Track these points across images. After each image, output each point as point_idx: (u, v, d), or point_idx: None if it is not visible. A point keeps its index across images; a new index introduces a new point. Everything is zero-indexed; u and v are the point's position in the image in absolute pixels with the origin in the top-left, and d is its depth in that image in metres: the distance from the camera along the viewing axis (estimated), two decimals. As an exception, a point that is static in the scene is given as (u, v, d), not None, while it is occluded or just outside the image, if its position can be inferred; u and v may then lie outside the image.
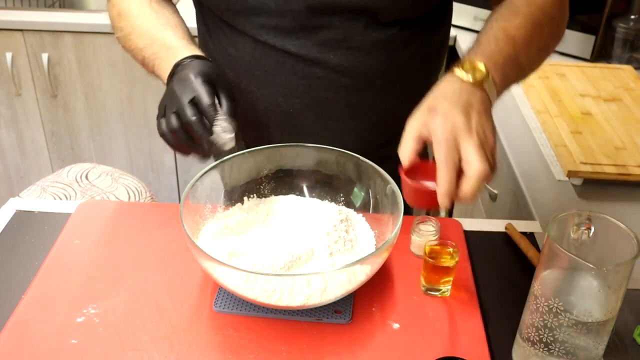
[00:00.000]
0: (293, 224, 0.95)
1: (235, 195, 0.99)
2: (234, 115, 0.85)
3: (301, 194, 1.02)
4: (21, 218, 1.06)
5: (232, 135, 0.83)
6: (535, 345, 0.75)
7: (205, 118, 0.83)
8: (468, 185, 0.73)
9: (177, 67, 0.90)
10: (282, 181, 1.01)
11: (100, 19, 2.06)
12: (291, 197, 1.01)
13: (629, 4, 1.79)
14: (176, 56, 0.91)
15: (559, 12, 0.96)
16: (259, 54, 0.99)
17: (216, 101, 0.84)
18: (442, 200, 0.73)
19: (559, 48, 1.98)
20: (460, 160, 0.73)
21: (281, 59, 0.98)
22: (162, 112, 0.87)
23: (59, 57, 2.15)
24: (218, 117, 0.83)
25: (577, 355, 0.73)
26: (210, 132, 0.83)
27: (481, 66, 0.81)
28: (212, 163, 0.96)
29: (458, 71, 0.81)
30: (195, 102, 0.83)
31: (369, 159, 0.96)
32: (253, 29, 0.97)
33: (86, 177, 1.57)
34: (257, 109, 1.04)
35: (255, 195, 1.01)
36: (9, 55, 2.14)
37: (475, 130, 0.76)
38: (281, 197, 1.01)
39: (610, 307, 0.71)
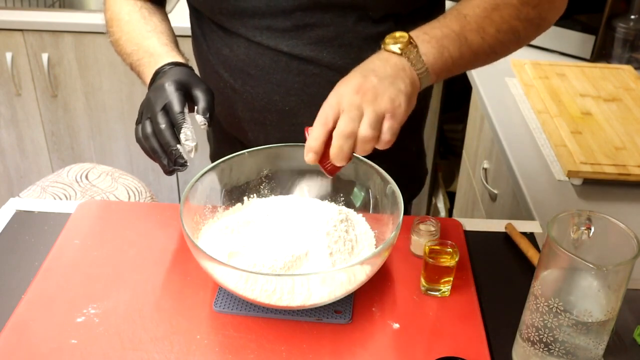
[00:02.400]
0: (293, 224, 0.94)
1: (235, 195, 0.99)
2: (211, 114, 0.88)
3: (301, 194, 1.02)
4: (21, 218, 1.06)
5: (195, 144, 0.86)
6: (535, 345, 0.75)
7: (175, 126, 0.86)
8: (333, 143, 0.77)
9: (157, 74, 0.93)
10: (282, 181, 1.02)
11: (100, 19, 2.04)
12: (291, 197, 1.01)
13: (629, 4, 1.79)
14: (157, 63, 0.95)
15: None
16: (253, 54, 0.99)
17: (186, 110, 0.88)
18: (306, 155, 0.79)
19: (559, 48, 1.99)
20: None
21: (275, 58, 0.98)
22: (139, 119, 0.91)
23: (59, 57, 2.15)
24: (184, 126, 0.86)
25: (577, 355, 0.73)
26: (178, 141, 0.86)
27: (403, 34, 0.83)
28: (210, 165, 0.96)
29: (384, 43, 0.83)
30: (166, 110, 0.87)
31: (368, 156, 0.96)
32: (246, 31, 0.98)
33: (86, 177, 1.57)
34: (254, 109, 1.04)
35: (255, 195, 1.01)
36: (9, 55, 2.14)
37: (363, 91, 0.78)
38: (281, 197, 1.01)
39: (610, 307, 0.71)
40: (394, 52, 0.82)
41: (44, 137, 2.34)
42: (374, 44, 0.97)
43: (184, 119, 0.86)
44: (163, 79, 0.90)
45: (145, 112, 0.89)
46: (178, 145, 0.86)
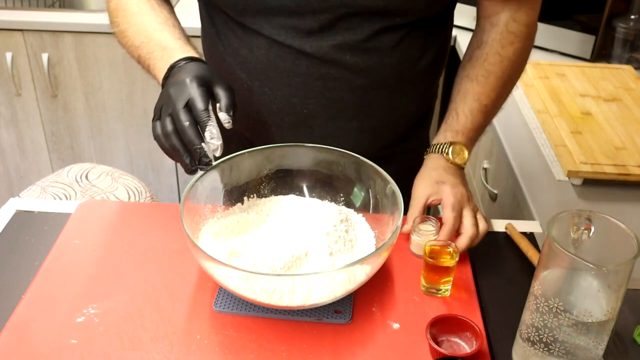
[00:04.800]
0: (293, 224, 0.95)
1: (235, 195, 0.99)
2: (233, 111, 0.85)
3: (301, 194, 1.02)
4: (21, 218, 1.06)
5: (220, 142, 0.83)
6: (535, 345, 0.75)
7: (198, 123, 0.83)
8: (461, 242, 0.93)
9: (172, 69, 0.89)
10: (282, 181, 1.01)
11: (100, 19, 2.06)
12: (291, 197, 1.01)
13: (629, 4, 1.79)
14: (171, 57, 0.91)
15: (527, 52, 1.06)
16: (273, 55, 0.98)
17: (210, 107, 0.84)
18: (444, 236, 0.93)
19: (559, 48, 1.99)
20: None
21: (296, 60, 0.98)
22: (158, 115, 0.86)
23: (59, 57, 2.15)
24: (209, 123, 0.82)
25: (577, 355, 0.73)
26: (202, 139, 0.82)
27: (465, 154, 1.02)
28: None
29: (449, 153, 1.01)
30: (189, 107, 0.83)
31: (379, 157, 0.96)
32: (270, 29, 0.96)
33: (86, 177, 1.57)
34: (271, 111, 1.03)
35: (255, 195, 1.01)
36: (9, 55, 2.14)
37: (471, 200, 0.98)
38: (281, 197, 1.01)
39: (610, 307, 0.71)
40: (459, 167, 1.02)
41: (44, 137, 2.34)
42: (394, 50, 0.99)
43: (208, 116, 0.83)
44: (181, 74, 0.86)
45: (165, 108, 0.84)
46: (202, 144, 0.82)
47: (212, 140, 0.82)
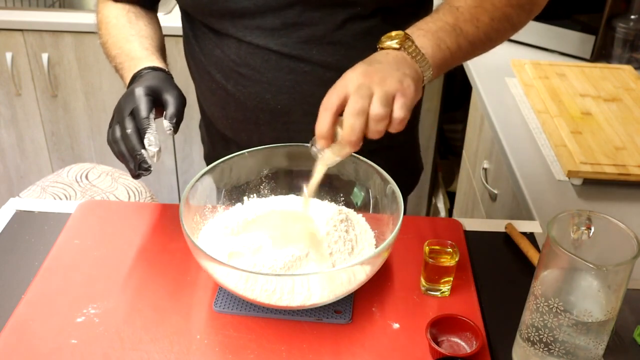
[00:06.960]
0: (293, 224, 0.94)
1: (235, 195, 0.99)
2: (178, 120, 0.90)
3: (301, 194, 1.02)
4: (21, 218, 1.06)
5: (157, 149, 0.88)
6: (535, 345, 0.75)
7: (140, 131, 0.88)
8: (344, 124, 0.74)
9: (134, 79, 0.96)
10: (282, 181, 1.02)
11: (100, 19, 2.05)
12: (291, 197, 1.01)
13: (629, 4, 1.79)
14: (136, 67, 0.97)
15: None
16: (243, 54, 1.00)
17: (152, 115, 0.90)
18: (319, 142, 0.78)
19: (559, 48, 1.98)
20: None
21: (266, 57, 0.99)
22: (111, 122, 0.93)
23: (59, 57, 2.15)
24: (148, 131, 0.88)
25: (577, 355, 0.73)
26: (143, 146, 0.87)
27: (398, 32, 0.82)
28: (207, 167, 0.96)
29: (381, 42, 0.83)
30: (133, 115, 0.89)
31: (364, 152, 0.96)
32: (236, 31, 0.98)
33: (86, 177, 1.57)
34: (246, 108, 1.04)
35: (255, 195, 1.01)
36: (9, 55, 2.14)
37: (370, 74, 0.76)
38: (281, 197, 1.01)
39: (610, 307, 0.71)
40: (392, 48, 0.81)
41: (44, 137, 2.34)
42: (363, 41, 0.97)
43: (149, 124, 0.88)
44: (136, 83, 0.92)
45: (116, 116, 0.92)
46: (143, 150, 0.87)
47: (150, 147, 0.88)
